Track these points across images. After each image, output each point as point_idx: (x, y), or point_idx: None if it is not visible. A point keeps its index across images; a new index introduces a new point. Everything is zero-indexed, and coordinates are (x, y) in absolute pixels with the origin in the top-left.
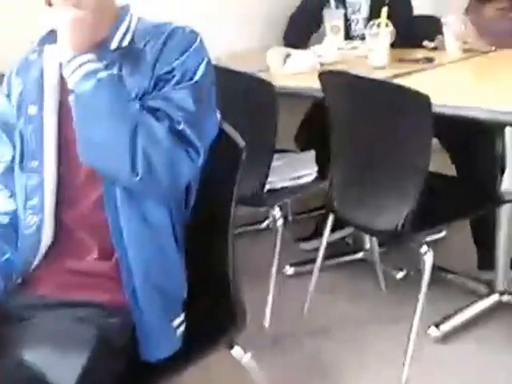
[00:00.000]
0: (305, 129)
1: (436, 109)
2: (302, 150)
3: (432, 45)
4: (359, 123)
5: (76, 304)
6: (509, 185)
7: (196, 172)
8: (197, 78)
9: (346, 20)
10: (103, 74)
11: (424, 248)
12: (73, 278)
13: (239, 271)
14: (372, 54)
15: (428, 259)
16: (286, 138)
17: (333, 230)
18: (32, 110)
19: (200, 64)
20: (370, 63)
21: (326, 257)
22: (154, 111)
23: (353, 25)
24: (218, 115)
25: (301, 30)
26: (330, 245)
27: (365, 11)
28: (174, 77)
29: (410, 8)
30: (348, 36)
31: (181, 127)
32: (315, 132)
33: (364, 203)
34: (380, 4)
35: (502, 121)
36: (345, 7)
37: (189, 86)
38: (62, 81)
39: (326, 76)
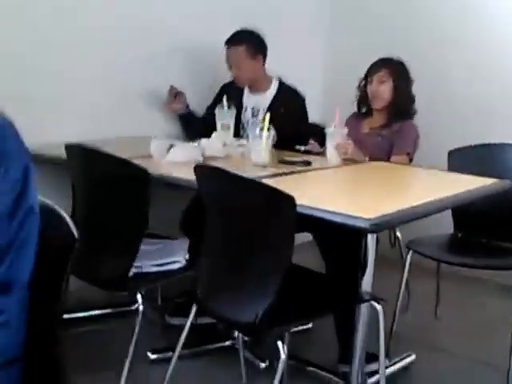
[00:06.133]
0: (188, 217)
1: (302, 210)
2: (188, 237)
3: (303, 148)
4: (228, 217)
5: None
6: (367, 286)
7: None
8: None
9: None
10: None
11: (279, 343)
12: None
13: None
14: (254, 152)
15: (282, 354)
16: (172, 224)
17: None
18: None
19: None
20: (252, 161)
21: (195, 343)
22: None
23: (246, 125)
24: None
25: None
26: (200, 329)
27: (261, 116)
28: None
29: (306, 117)
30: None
31: None
32: (197, 221)
33: (226, 295)
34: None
35: (364, 228)
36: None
37: None
38: None
39: (199, 169)
